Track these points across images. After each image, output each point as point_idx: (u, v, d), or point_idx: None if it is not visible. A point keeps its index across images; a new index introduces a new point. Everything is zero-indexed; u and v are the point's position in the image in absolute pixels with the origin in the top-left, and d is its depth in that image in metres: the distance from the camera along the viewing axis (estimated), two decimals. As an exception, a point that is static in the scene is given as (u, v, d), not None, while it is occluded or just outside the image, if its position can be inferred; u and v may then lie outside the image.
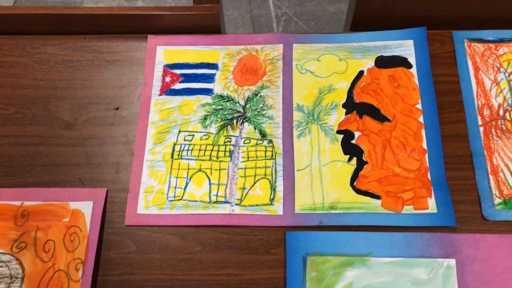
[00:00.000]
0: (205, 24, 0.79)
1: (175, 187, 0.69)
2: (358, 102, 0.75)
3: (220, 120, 0.74)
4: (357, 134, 0.72)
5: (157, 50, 0.80)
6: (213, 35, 0.81)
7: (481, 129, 0.72)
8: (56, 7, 0.79)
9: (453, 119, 0.73)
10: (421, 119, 0.72)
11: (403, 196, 0.67)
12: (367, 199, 0.67)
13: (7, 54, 0.80)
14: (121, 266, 0.65)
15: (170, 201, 0.68)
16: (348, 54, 0.78)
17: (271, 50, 0.79)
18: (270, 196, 0.68)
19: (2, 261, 0.63)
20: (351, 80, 0.76)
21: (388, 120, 0.73)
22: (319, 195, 0.68)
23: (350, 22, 0.88)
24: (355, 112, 0.74)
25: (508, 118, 0.72)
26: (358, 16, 0.87)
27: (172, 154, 0.72)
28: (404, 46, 0.78)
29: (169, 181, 0.70)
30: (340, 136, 0.72)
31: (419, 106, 0.73)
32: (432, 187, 0.68)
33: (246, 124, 0.73)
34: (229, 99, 0.75)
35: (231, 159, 0.71)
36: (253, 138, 0.72)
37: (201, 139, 0.72)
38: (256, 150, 0.72)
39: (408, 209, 0.66)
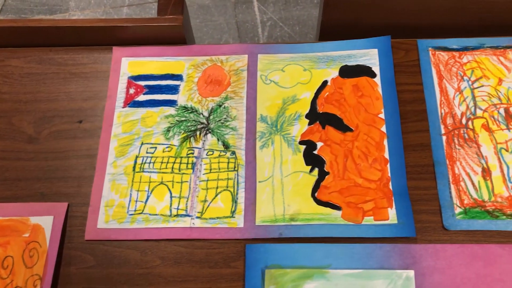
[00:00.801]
0: (169, 35, 0.79)
1: (136, 201, 0.69)
2: (321, 112, 0.74)
3: (183, 131, 0.74)
4: (319, 144, 0.72)
5: (122, 62, 0.80)
6: (178, 46, 0.81)
7: (444, 138, 0.71)
8: (20, 19, 0.79)
9: (416, 128, 0.73)
10: (383, 128, 0.72)
11: (363, 207, 0.67)
12: (328, 210, 0.67)
13: (-29, 68, 0.80)
14: (80, 281, 0.65)
15: (130, 215, 0.68)
16: (313, 64, 0.78)
17: (236, 61, 0.79)
18: (232, 209, 0.68)
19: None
20: (315, 90, 0.76)
21: (351, 130, 0.73)
22: (280, 206, 0.68)
23: (319, 31, 0.88)
24: (318, 122, 0.74)
25: (471, 126, 0.72)
26: (326, 24, 0.87)
27: (134, 167, 0.71)
28: (369, 55, 0.78)
29: (130, 195, 0.69)
30: (303, 147, 0.72)
31: (382, 115, 0.73)
32: (393, 198, 0.67)
33: (209, 135, 0.73)
34: (192, 110, 0.75)
35: (193, 171, 0.71)
36: (216, 150, 0.72)
37: (163, 152, 0.72)
38: (218, 162, 0.71)
39: (369, 220, 0.66)
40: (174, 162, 0.72)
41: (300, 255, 0.65)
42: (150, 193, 0.70)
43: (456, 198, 0.68)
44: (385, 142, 0.71)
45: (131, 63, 0.80)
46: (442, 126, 0.72)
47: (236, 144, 0.73)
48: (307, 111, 0.75)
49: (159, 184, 0.70)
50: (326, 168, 0.70)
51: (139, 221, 0.68)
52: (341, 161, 0.71)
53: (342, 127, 0.73)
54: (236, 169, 0.71)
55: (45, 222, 0.67)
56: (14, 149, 0.73)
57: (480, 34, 0.80)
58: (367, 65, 0.77)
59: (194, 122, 0.75)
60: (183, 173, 0.71)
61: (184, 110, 0.76)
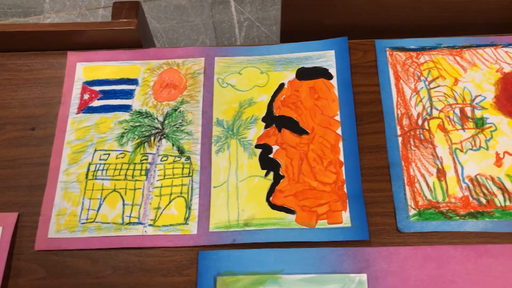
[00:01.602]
0: (124, 39, 0.78)
1: (88, 209, 0.68)
2: (277, 115, 0.74)
3: (137, 137, 0.73)
4: (275, 148, 0.71)
5: (76, 67, 0.78)
6: (133, 49, 0.80)
7: (400, 139, 0.71)
8: (-31, 26, 0.77)
9: (373, 129, 0.72)
10: (339, 131, 0.72)
11: (318, 211, 0.67)
12: (282, 214, 0.67)
13: None
14: (29, 292, 0.63)
15: (82, 223, 0.67)
16: (270, 67, 0.77)
17: (193, 64, 0.78)
18: (185, 215, 0.67)
19: None
20: (272, 93, 0.75)
21: (307, 133, 0.72)
22: (234, 212, 0.67)
23: (280, 32, 0.87)
24: (274, 125, 0.73)
25: (427, 127, 0.71)
26: (286, 26, 0.86)
27: (87, 175, 0.70)
28: (326, 57, 0.77)
29: (82, 203, 0.68)
30: (259, 151, 0.71)
31: (338, 117, 0.73)
32: (347, 201, 0.67)
33: (164, 140, 0.72)
34: (147, 115, 0.74)
35: (146, 177, 0.70)
36: (171, 155, 0.71)
37: (116, 158, 0.71)
38: (173, 168, 0.70)
39: (322, 223, 0.66)
40: (127, 169, 0.70)
41: (253, 261, 0.64)
42: (103, 201, 0.68)
43: (410, 200, 0.67)
44: (341, 145, 0.71)
45: (86, 68, 0.78)
46: (398, 127, 0.72)
47: (191, 149, 0.72)
48: (263, 114, 0.74)
49: (112, 192, 0.69)
50: (281, 172, 0.70)
51: (91, 230, 0.67)
52: (296, 164, 0.70)
53: (298, 130, 0.72)
54: (190, 174, 0.70)
55: (-6, 232, 0.66)
56: (-36, 158, 0.72)
57: (439, 34, 0.79)
58: (324, 67, 0.77)
59: (148, 127, 0.74)
60: (137, 180, 0.70)
61: (138, 115, 0.74)
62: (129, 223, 0.67)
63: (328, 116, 0.73)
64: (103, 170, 0.70)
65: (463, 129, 0.71)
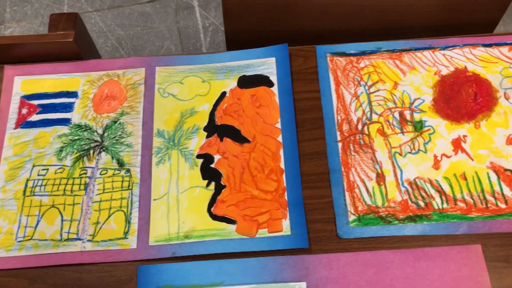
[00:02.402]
0: (62, 51, 0.76)
1: (26, 226, 0.66)
2: (219, 124, 0.73)
3: (76, 151, 0.71)
4: (217, 157, 0.71)
5: (14, 81, 0.77)
6: (73, 62, 0.78)
7: (340, 145, 0.71)
8: None
9: (313, 136, 0.73)
10: (280, 138, 0.72)
11: (258, 219, 0.66)
12: (223, 225, 0.66)
13: None
14: (-38, 315, 0.62)
15: (19, 241, 0.65)
16: (212, 75, 0.77)
17: (133, 75, 0.77)
18: (125, 230, 0.66)
19: None
20: (214, 102, 0.75)
21: (248, 141, 0.72)
22: (175, 224, 0.66)
23: (225, 40, 0.87)
24: (216, 135, 0.72)
25: (366, 132, 0.72)
26: (231, 34, 0.86)
27: (24, 191, 0.69)
28: (267, 64, 0.77)
29: (20, 220, 0.67)
30: (200, 161, 0.71)
31: (278, 125, 0.72)
32: (288, 208, 0.67)
33: (103, 154, 0.71)
34: (86, 128, 0.73)
35: (86, 192, 0.69)
36: (110, 169, 0.70)
37: (55, 173, 0.70)
38: (112, 181, 0.69)
39: (263, 232, 0.65)
40: (66, 184, 0.69)
41: (193, 273, 0.64)
42: (41, 217, 0.67)
43: (350, 206, 0.67)
44: (281, 152, 0.71)
45: (24, 82, 0.77)
46: (338, 133, 0.72)
47: (131, 161, 0.71)
48: (205, 123, 0.74)
49: (50, 208, 0.68)
50: (223, 182, 0.69)
51: (27, 248, 0.65)
52: (238, 173, 0.70)
53: (240, 138, 0.72)
54: (130, 187, 0.69)
55: None
56: None
57: (380, 38, 0.80)
58: (265, 74, 0.77)
59: (87, 140, 0.72)
60: (75, 195, 0.69)
61: (78, 129, 0.73)
62: (68, 239, 0.66)
63: (269, 124, 0.73)
64: (41, 186, 0.69)
65: (402, 132, 0.72)
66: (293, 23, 0.83)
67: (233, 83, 0.76)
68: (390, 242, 0.66)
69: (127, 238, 0.66)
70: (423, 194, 0.68)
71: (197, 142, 0.72)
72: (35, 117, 0.74)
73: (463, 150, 0.70)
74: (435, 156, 0.70)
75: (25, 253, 0.65)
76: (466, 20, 0.84)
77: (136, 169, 0.70)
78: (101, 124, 0.73)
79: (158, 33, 1.87)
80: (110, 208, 0.68)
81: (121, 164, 0.71)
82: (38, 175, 0.70)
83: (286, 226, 0.66)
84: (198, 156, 0.71)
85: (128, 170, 0.70)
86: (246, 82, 0.76)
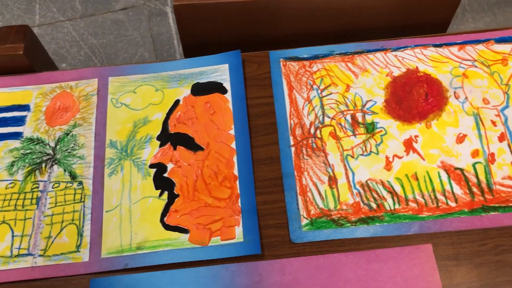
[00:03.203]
0: (13, 64, 0.76)
1: (-25, 244, 0.65)
2: (172, 133, 0.73)
3: (28, 165, 0.71)
4: (170, 166, 0.70)
5: (-35, 96, 0.76)
6: (25, 74, 0.78)
7: (293, 149, 0.71)
8: None
9: (266, 141, 0.73)
10: (233, 145, 0.71)
11: (211, 228, 0.66)
12: (176, 234, 0.66)
13: None
14: None
15: (-32, 259, 0.65)
16: (165, 84, 0.77)
17: (86, 86, 0.77)
18: (77, 243, 0.66)
19: None
20: (167, 111, 0.75)
21: (202, 149, 0.72)
22: (127, 236, 0.66)
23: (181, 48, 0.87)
24: (169, 143, 0.72)
25: (319, 135, 0.72)
26: (186, 41, 0.86)
27: (-26, 208, 0.68)
28: (220, 71, 0.77)
29: (-31, 238, 0.66)
30: (153, 171, 0.70)
31: (232, 131, 0.72)
32: (241, 215, 0.67)
33: (55, 167, 0.71)
34: (39, 141, 0.72)
35: (37, 206, 0.68)
36: (63, 181, 0.70)
37: (6, 188, 0.69)
38: (65, 194, 0.69)
39: (216, 240, 0.65)
40: (17, 199, 0.69)
41: (145, 284, 0.63)
42: (-9, 234, 0.66)
43: (303, 210, 0.68)
44: (235, 159, 0.71)
45: (-25, 96, 0.76)
46: (291, 138, 0.72)
47: (83, 173, 0.70)
48: (158, 132, 0.73)
49: (0, 224, 0.67)
50: (176, 191, 0.69)
51: (-23, 266, 0.64)
52: (191, 182, 0.70)
53: (193, 146, 0.72)
54: (82, 200, 0.68)
55: None
56: None
57: (334, 41, 0.80)
58: (219, 81, 0.77)
59: (40, 154, 0.72)
60: (27, 210, 0.68)
61: (29, 142, 0.72)
62: (18, 255, 0.65)
63: (223, 131, 0.73)
64: (-9, 202, 0.68)
65: (354, 135, 0.72)
66: (247, 28, 0.83)
67: (187, 91, 0.76)
68: (342, 245, 0.66)
69: (79, 251, 0.65)
70: (375, 195, 0.68)
71: (150, 151, 0.72)
72: (-14, 132, 0.73)
73: (415, 150, 0.71)
74: (387, 157, 0.71)
75: (-25, 270, 0.64)
76: (419, 20, 0.85)
77: (89, 181, 0.70)
78: (54, 137, 0.73)
79: (132, 41, 1.87)
80: (62, 222, 0.67)
81: (73, 176, 0.70)
82: (-11, 190, 0.69)
83: (239, 233, 0.66)
84: (151, 166, 0.71)
85: (81, 183, 0.70)
86: (199, 89, 0.76)
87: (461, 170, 0.70)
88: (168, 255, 0.65)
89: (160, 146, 0.72)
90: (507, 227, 0.66)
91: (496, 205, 0.67)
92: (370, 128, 0.73)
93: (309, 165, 0.71)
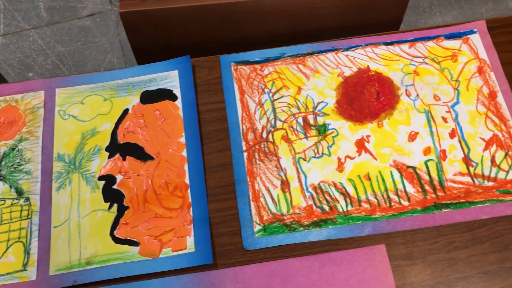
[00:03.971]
0: (-46, 79, 0.73)
1: None
2: (122, 143, 0.71)
3: (-28, 183, 0.68)
4: (119, 177, 0.69)
5: None
6: (-32, 89, 0.75)
7: (245, 154, 0.70)
8: None
9: (219, 148, 0.72)
10: (184, 152, 0.70)
11: (162, 239, 0.65)
12: (126, 247, 0.64)
13: None
14: None
15: None
16: (113, 93, 0.75)
17: (32, 98, 0.75)
18: (24, 261, 0.64)
19: None
20: (116, 121, 0.73)
21: (152, 158, 0.70)
22: (76, 251, 0.64)
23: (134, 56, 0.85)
24: (118, 154, 0.71)
25: (271, 139, 0.71)
26: (137, 49, 0.84)
27: None
28: (170, 78, 0.76)
29: None
30: (102, 183, 0.69)
31: (183, 139, 0.71)
32: (192, 225, 0.65)
33: (0, 183, 0.68)
34: (-17, 158, 0.70)
35: (-18, 225, 0.66)
36: (8, 198, 0.68)
37: (-51, 208, 0.67)
38: (11, 211, 0.67)
39: (167, 252, 0.64)
40: (-39, 218, 0.66)
41: (95, 300, 0.62)
42: None
43: (256, 216, 0.67)
44: (186, 167, 0.69)
45: None
46: (243, 143, 0.71)
47: (30, 188, 0.68)
48: (107, 143, 0.72)
49: None
50: (125, 203, 0.68)
51: None
52: (141, 193, 0.68)
53: (143, 156, 0.71)
54: (29, 216, 0.67)
55: None
56: None
57: (286, 43, 0.79)
58: (168, 88, 0.75)
59: (-16, 171, 0.69)
60: (-29, 229, 0.66)
61: (-27, 159, 0.70)
62: (-38, 278, 0.63)
63: (173, 139, 0.72)
64: None
65: (306, 137, 0.72)
66: (197, 34, 0.82)
67: (136, 99, 0.75)
68: (296, 250, 0.65)
69: (26, 270, 0.64)
70: (328, 198, 0.68)
71: (99, 163, 0.70)
72: None
73: (367, 150, 0.71)
74: (339, 159, 0.70)
75: None
76: (370, 19, 0.85)
77: (36, 197, 0.68)
78: (-2, 153, 0.71)
79: (100, 47, 1.84)
80: (8, 240, 0.65)
81: (19, 192, 0.68)
82: None
83: (190, 243, 0.65)
84: (100, 178, 0.69)
85: (28, 199, 0.68)
86: (149, 97, 0.75)
87: (414, 168, 0.70)
88: (118, 269, 0.63)
89: (109, 157, 0.71)
90: (458, 224, 0.66)
91: (448, 202, 0.67)
92: (322, 130, 0.72)
93: (262, 170, 0.70)
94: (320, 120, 0.73)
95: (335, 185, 0.69)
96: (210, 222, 0.67)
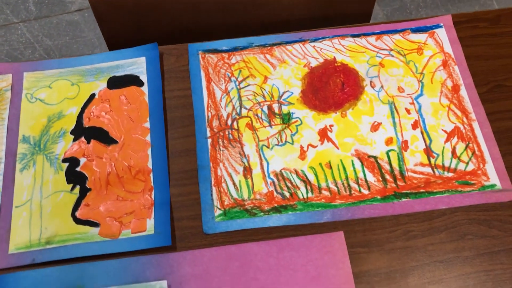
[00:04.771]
0: None
1: None
2: (87, 126, 0.72)
3: None
4: (83, 160, 0.69)
5: None
6: None
7: (209, 141, 0.71)
8: None
9: (183, 134, 0.72)
10: (148, 137, 0.71)
11: (123, 221, 0.65)
12: (86, 228, 0.65)
13: None
14: None
15: None
16: (81, 78, 0.76)
17: (0, 81, 0.75)
18: (-17, 240, 0.64)
19: None
20: (82, 105, 0.74)
21: (116, 142, 0.71)
22: (37, 231, 0.65)
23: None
24: (83, 137, 0.71)
25: (236, 127, 0.72)
26: (108, 36, 0.85)
27: None
28: (137, 64, 0.76)
29: None
30: (66, 165, 0.69)
31: (147, 124, 0.72)
32: (153, 208, 0.66)
33: (-36, 163, 0.69)
34: None
35: None
36: (-29, 178, 0.68)
37: None
38: (-27, 191, 0.67)
39: (126, 233, 0.65)
40: None
41: (53, 279, 0.62)
42: None
43: (217, 200, 0.67)
44: (149, 151, 0.70)
45: None
46: (208, 129, 0.72)
47: (-6, 170, 0.69)
48: (72, 127, 0.72)
49: None
50: (88, 185, 0.68)
51: None
52: (103, 175, 0.69)
53: (107, 140, 0.71)
54: (-9, 196, 0.67)
55: None
56: None
57: (254, 33, 0.80)
58: (135, 74, 0.76)
59: None
60: None
61: None
62: None
63: (138, 124, 0.72)
64: None
65: (270, 125, 0.72)
66: (166, 22, 0.83)
67: (103, 85, 0.75)
68: (255, 235, 0.66)
69: (-15, 249, 0.64)
70: (289, 184, 0.68)
71: (64, 146, 0.71)
72: None
73: (329, 139, 0.72)
74: (302, 147, 0.71)
75: None
76: (340, 11, 0.86)
77: (-1, 177, 0.68)
78: (-37, 133, 0.71)
79: (87, 42, 1.85)
80: (-32, 219, 0.65)
81: (-18, 173, 0.68)
82: None
83: (150, 225, 0.65)
84: (64, 160, 0.70)
85: (-10, 179, 0.68)
86: (115, 82, 0.75)
87: (375, 158, 0.70)
88: (77, 249, 0.64)
89: (74, 140, 0.71)
90: (417, 213, 0.67)
91: (408, 191, 0.68)
92: (286, 119, 0.73)
93: (225, 156, 0.70)
94: (285, 109, 0.74)
95: (296, 172, 0.69)
96: (171, 206, 0.68)
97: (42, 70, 0.76)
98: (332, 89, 0.75)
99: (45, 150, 0.70)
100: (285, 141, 0.71)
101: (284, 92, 0.75)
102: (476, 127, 0.72)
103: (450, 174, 0.69)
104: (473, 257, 0.64)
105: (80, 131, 0.72)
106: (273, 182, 0.69)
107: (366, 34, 0.80)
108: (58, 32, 1.88)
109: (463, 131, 0.72)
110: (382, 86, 0.75)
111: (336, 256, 0.65)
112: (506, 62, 0.77)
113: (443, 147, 0.71)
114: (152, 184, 0.68)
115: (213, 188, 0.68)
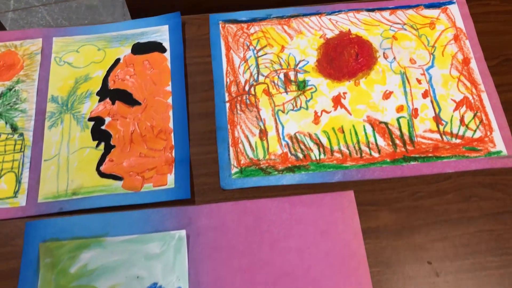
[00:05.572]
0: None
1: None
2: (112, 88, 0.76)
3: (-30, 118, 0.73)
4: (108, 119, 0.73)
5: None
6: (-29, 34, 0.80)
7: (227, 104, 0.75)
8: None
9: (203, 97, 0.76)
10: (170, 100, 0.75)
11: (145, 175, 0.69)
12: (110, 181, 0.69)
13: None
14: None
15: None
16: (107, 44, 0.80)
17: (31, 45, 0.79)
18: (15, 189, 0.68)
19: None
20: (107, 68, 0.78)
21: (139, 103, 0.75)
22: (64, 183, 0.69)
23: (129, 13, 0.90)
24: (108, 98, 0.75)
25: (253, 92, 0.76)
26: (132, 5, 0.88)
27: None
28: (160, 32, 0.80)
29: None
30: (91, 123, 0.73)
31: (169, 88, 0.76)
32: (174, 164, 0.70)
33: (-3, 119, 0.73)
34: (-18, 96, 0.75)
35: (-22, 156, 0.70)
36: (4, 133, 0.72)
37: None
38: (5, 145, 0.72)
39: (148, 187, 0.68)
40: (-42, 149, 0.71)
41: (78, 226, 0.66)
42: None
43: (234, 160, 0.71)
44: (171, 113, 0.74)
45: None
46: (226, 94, 0.76)
47: (24, 125, 0.73)
48: (98, 88, 0.76)
49: None
50: (112, 142, 0.72)
51: None
52: (127, 134, 0.73)
53: (131, 101, 0.75)
54: (22, 150, 0.71)
55: None
56: None
57: (273, 7, 0.84)
58: (159, 41, 0.80)
59: (-18, 107, 0.74)
60: (-33, 159, 0.70)
61: (-27, 97, 0.75)
62: (-44, 201, 0.67)
63: (160, 87, 0.76)
64: None
65: (286, 92, 0.76)
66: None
67: (128, 50, 0.79)
68: (269, 192, 0.69)
69: (16, 197, 0.68)
70: (302, 146, 0.72)
71: (90, 106, 0.75)
72: None
73: (342, 106, 0.75)
74: (316, 112, 0.74)
75: None
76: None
77: (29, 133, 0.73)
78: (-4, 92, 0.75)
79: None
80: (1, 170, 0.70)
81: (14, 128, 0.73)
82: None
83: (170, 180, 0.69)
84: (90, 119, 0.74)
85: (21, 134, 0.72)
86: (139, 48, 0.79)
87: (386, 124, 0.74)
88: (102, 200, 0.68)
89: (99, 101, 0.75)
90: (424, 176, 0.70)
91: (417, 155, 0.71)
92: (301, 86, 0.76)
93: (242, 119, 0.74)
94: (301, 77, 0.77)
95: (310, 135, 0.73)
96: (190, 164, 0.71)
97: (71, 36, 0.80)
98: (346, 59, 0.78)
99: (72, 110, 0.75)
100: (300, 107, 0.75)
101: (300, 61, 0.78)
102: (485, 97, 0.75)
103: (458, 141, 0.72)
104: (477, 217, 0.67)
105: (106, 92, 0.76)
106: (288, 144, 0.72)
107: (380, 9, 0.83)
108: (77, 15, 1.92)
109: (472, 101, 0.75)
110: (394, 58, 0.78)
111: (346, 213, 0.68)
112: (515, 37, 0.80)
113: (452, 115, 0.74)
114: (173, 143, 0.72)
115: (231, 148, 0.72)
